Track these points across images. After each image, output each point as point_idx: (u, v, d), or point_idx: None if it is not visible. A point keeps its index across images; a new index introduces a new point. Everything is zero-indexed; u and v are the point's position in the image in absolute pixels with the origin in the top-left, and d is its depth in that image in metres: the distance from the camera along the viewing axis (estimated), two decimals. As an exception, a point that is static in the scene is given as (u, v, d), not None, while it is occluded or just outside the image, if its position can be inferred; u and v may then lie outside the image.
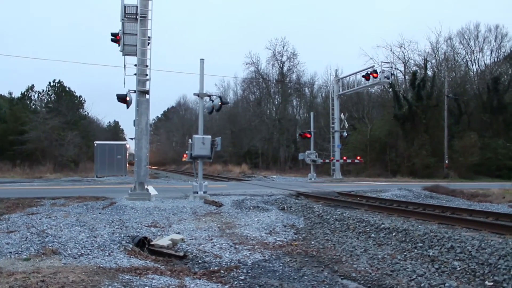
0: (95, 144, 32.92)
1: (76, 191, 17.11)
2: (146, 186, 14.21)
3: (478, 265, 6.18)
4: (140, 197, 13.52)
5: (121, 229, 8.74)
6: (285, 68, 59.12)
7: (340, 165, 32.61)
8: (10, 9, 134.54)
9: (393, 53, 47.64)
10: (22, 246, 6.81)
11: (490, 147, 38.98)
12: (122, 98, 13.67)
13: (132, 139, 16.07)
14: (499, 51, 46.71)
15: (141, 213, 11.16)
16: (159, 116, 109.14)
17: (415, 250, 7.27)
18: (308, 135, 32.06)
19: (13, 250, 6.61)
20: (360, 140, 43.39)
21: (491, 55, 47.01)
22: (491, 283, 5.63)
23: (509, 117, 41.47)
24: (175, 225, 10.01)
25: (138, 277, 5.53)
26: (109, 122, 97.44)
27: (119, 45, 14.28)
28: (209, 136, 14.70)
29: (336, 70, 35.46)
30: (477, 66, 47.89)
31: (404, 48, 47.37)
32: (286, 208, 12.87)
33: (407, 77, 46.82)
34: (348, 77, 34.26)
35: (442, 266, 6.44)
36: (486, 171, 38.03)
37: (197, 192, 14.43)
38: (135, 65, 13.92)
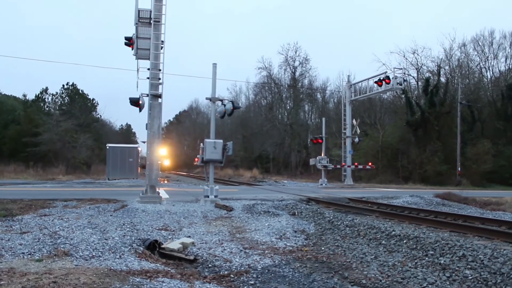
0: (107, 147, 33.13)
1: (88, 193, 17.24)
2: (157, 190, 14.27)
3: (490, 274, 6.11)
4: (151, 200, 13.58)
5: (132, 232, 8.79)
6: (297, 73, 59.20)
7: (352, 171, 32.49)
8: (24, 12, 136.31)
9: (406, 59, 47.41)
10: (35, 247, 6.89)
11: (503, 155, 38.56)
12: (135, 102, 13.78)
13: (144, 142, 16.20)
14: (514, 58, 46.23)
15: (152, 216, 11.21)
16: (171, 119, 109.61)
17: (426, 258, 7.21)
18: (320, 141, 31.97)
19: (26, 251, 6.69)
20: (372, 146, 43.20)
21: (505, 62, 46.53)
22: (503, 293, 5.58)
23: (523, 125, 41.01)
24: (185, 228, 10.04)
25: (149, 280, 5.55)
26: (122, 125, 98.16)
27: (132, 49, 14.40)
28: (221, 141, 14.73)
29: (349, 75, 35.43)
30: (491, 73, 47.51)
31: (417, 54, 47.08)
32: (296, 214, 12.85)
33: (420, 83, 46.55)
34: (360, 83, 34.16)
35: (454, 274, 6.38)
36: (499, 179, 37.60)
37: (208, 196, 14.45)
38: (148, 69, 14.03)
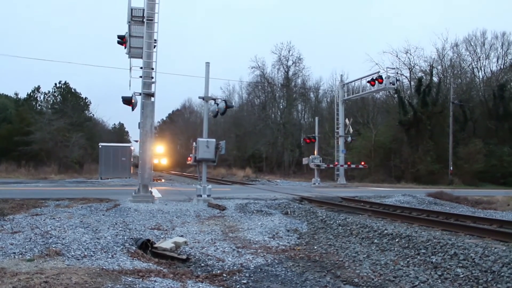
0: (100, 146, 33.01)
1: (80, 192, 17.16)
2: (150, 189, 14.24)
3: (481, 272, 6.15)
4: (144, 199, 13.55)
5: (124, 231, 8.76)
6: (290, 73, 59.29)
7: (344, 170, 32.56)
8: (16, 10, 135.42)
9: (399, 59, 47.57)
10: (26, 246, 6.85)
11: (495, 154, 38.82)
12: (127, 101, 13.73)
13: (137, 141, 16.17)
14: (506, 58, 46.57)
15: (145, 215, 11.18)
16: (164, 118, 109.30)
17: (418, 257, 7.25)
18: (313, 140, 32.01)
19: (17, 250, 6.64)
20: (365, 145, 43.31)
21: (497, 62, 46.88)
22: (494, 291, 5.61)
23: (515, 124, 41.29)
24: (178, 228, 10.02)
25: (141, 279, 5.54)
26: (114, 124, 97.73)
27: (125, 48, 14.35)
28: (214, 140, 14.72)
29: (342, 75, 35.44)
30: (483, 73, 47.79)
31: (410, 54, 47.25)
32: (289, 213, 12.86)
33: (412, 83, 46.74)
34: (353, 83, 34.27)
35: (445, 273, 6.41)
36: (491, 178, 37.88)
37: (200, 195, 14.44)
38: (141, 68, 13.99)
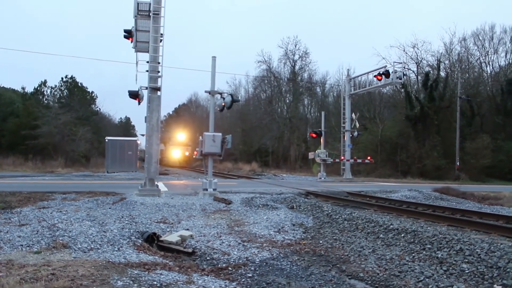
0: (106, 140, 33.12)
1: (86, 186, 17.25)
2: (156, 182, 14.28)
3: (487, 268, 6.14)
4: (150, 193, 13.60)
5: (130, 224, 8.81)
6: (297, 67, 59.05)
7: (351, 165, 32.49)
8: (23, 4, 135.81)
9: (406, 53, 47.28)
10: (33, 239, 6.91)
11: (503, 150, 38.62)
12: (133, 95, 13.77)
13: (143, 135, 16.22)
14: (514, 53, 46.13)
15: (151, 209, 11.23)
16: (170, 112, 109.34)
17: (424, 252, 7.24)
18: (319, 134, 31.94)
19: (25, 243, 6.71)
20: (371, 140, 43.20)
21: (505, 56, 46.41)
22: (500, 287, 5.59)
23: (522, 120, 41.01)
24: (184, 221, 10.06)
25: (147, 272, 5.57)
26: (121, 118, 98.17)
27: (131, 42, 14.36)
28: (220, 134, 14.73)
29: (348, 69, 35.28)
30: (491, 67, 47.43)
31: (417, 49, 46.91)
32: (295, 207, 12.87)
33: (419, 77, 46.49)
34: (360, 77, 34.06)
35: (451, 268, 6.40)
36: (498, 173, 37.71)
37: (206, 189, 14.47)
38: (147, 62, 14.00)
